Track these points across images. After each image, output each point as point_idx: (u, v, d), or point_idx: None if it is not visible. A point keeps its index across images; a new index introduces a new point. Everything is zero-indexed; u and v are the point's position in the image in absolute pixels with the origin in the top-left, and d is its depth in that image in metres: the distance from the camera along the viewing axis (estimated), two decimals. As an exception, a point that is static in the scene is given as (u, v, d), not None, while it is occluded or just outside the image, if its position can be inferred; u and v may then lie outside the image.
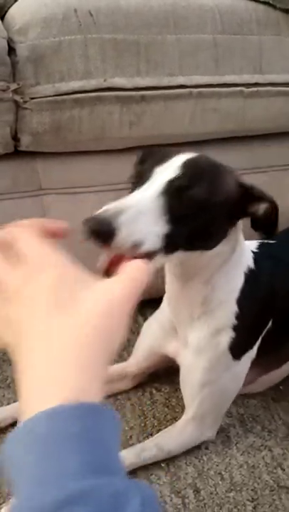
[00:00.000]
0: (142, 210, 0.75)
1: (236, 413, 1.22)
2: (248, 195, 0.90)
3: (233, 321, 1.04)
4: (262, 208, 0.90)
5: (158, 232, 0.77)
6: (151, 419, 1.21)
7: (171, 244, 0.80)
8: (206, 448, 1.12)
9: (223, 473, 1.07)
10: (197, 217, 0.82)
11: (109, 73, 1.19)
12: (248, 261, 1.06)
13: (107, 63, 1.18)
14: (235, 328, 1.04)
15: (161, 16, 1.21)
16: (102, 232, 0.71)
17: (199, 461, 1.10)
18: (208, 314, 1.03)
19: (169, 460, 1.09)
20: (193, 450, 1.11)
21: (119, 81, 1.20)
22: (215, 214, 0.85)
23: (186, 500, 1.02)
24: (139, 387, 1.30)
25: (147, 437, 1.13)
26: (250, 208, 0.91)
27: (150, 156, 0.87)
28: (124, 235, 0.71)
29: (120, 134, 1.26)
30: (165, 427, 1.14)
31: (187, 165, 0.82)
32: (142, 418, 1.21)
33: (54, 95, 1.15)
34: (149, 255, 0.76)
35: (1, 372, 1.33)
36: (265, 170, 1.46)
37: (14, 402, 1.21)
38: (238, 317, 1.03)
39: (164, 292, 1.10)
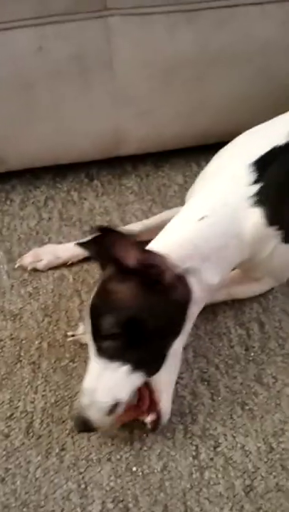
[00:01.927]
0: (93, 384, 0.84)
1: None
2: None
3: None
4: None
5: (121, 379, 0.84)
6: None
7: (153, 365, 0.87)
8: (272, 288, 1.14)
9: (288, 310, 1.09)
10: (138, 333, 0.84)
11: None
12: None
13: None
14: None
15: None
16: (82, 427, 0.85)
17: (264, 299, 1.11)
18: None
19: (234, 296, 1.12)
20: (259, 289, 1.13)
21: None
22: (145, 313, 0.85)
23: (251, 332, 1.05)
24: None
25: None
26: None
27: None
28: (95, 414, 0.83)
29: None
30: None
31: (91, 310, 0.86)
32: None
33: None
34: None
35: (66, 212, 1.36)
36: None
37: (80, 239, 1.25)
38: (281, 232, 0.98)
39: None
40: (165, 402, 0.89)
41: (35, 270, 1.19)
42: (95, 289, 0.89)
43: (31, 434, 0.92)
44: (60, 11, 1.16)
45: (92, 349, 0.86)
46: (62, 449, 0.90)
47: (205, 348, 1.03)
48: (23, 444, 0.91)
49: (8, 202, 1.40)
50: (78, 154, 1.40)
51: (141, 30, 1.21)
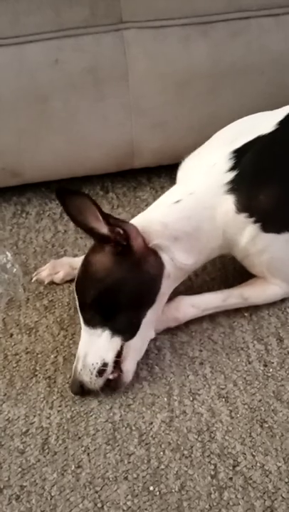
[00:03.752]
0: (84, 350, 0.94)
1: None
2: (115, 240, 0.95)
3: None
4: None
5: (104, 343, 0.94)
6: (232, 271, 1.20)
7: (127, 328, 0.95)
8: (290, 301, 1.12)
9: (307, 325, 1.08)
10: (112, 301, 0.94)
11: None
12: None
13: None
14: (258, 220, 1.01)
15: None
16: (79, 391, 0.95)
17: (282, 313, 1.09)
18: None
19: (252, 310, 1.10)
20: (276, 302, 1.10)
21: None
22: (118, 283, 0.94)
23: (269, 347, 1.03)
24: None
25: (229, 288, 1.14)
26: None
27: None
28: (87, 377, 0.93)
29: None
30: (247, 279, 1.13)
31: (77, 284, 0.99)
32: (223, 271, 1.21)
33: None
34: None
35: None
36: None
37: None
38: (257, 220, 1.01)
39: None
40: (128, 364, 0.96)
41: (51, 283, 1.19)
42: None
43: (47, 450, 0.91)
44: (76, 24, 1.17)
45: (81, 320, 0.97)
46: (79, 467, 0.88)
47: (222, 363, 1.02)
48: (39, 460, 0.90)
49: (23, 215, 1.40)
50: (93, 167, 1.41)
51: (156, 42, 1.22)
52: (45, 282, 1.19)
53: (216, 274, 1.21)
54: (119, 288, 0.95)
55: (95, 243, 0.99)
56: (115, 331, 0.94)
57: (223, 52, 1.26)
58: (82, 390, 0.95)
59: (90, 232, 0.95)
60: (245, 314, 1.10)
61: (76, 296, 0.99)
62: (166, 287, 1.00)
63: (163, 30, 1.19)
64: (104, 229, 0.93)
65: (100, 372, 0.93)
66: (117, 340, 0.95)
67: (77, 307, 0.98)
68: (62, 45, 1.19)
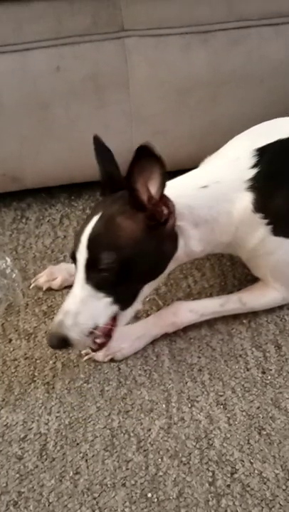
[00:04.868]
0: (77, 307, 0.91)
1: None
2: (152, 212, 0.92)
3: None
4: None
5: (102, 308, 0.92)
6: (232, 279, 1.21)
7: (128, 298, 0.95)
8: (288, 308, 1.12)
9: (305, 332, 1.08)
10: (127, 271, 0.91)
11: None
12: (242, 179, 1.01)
13: None
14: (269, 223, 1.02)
15: None
16: (60, 344, 0.92)
17: (281, 320, 1.09)
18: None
19: (251, 317, 1.10)
20: (275, 309, 1.11)
21: None
22: (136, 253, 0.91)
23: (268, 354, 1.03)
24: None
25: (228, 295, 1.14)
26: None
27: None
28: (76, 335, 0.90)
29: None
30: (246, 286, 1.14)
31: (91, 240, 0.92)
32: (222, 277, 1.22)
33: None
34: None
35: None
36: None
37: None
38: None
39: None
40: (115, 331, 0.97)
41: (50, 289, 1.20)
42: (96, 217, 0.94)
43: (45, 456, 0.91)
44: (78, 32, 1.18)
45: (80, 275, 0.93)
46: (77, 473, 0.88)
47: (221, 370, 1.02)
48: (37, 466, 0.90)
49: (23, 220, 1.40)
50: (93, 173, 1.40)
51: (157, 50, 1.22)
52: (44, 289, 1.19)
53: (215, 281, 1.21)
54: (140, 260, 0.92)
55: (125, 205, 0.93)
56: (116, 299, 0.93)
57: (224, 61, 1.27)
58: (62, 345, 0.92)
59: (134, 193, 0.90)
60: (244, 321, 1.10)
61: (83, 251, 0.92)
62: (168, 268, 1.01)
63: (164, 38, 1.20)
64: (148, 198, 0.90)
65: (91, 332, 0.92)
66: (114, 308, 0.93)
67: (80, 261, 0.93)
68: (64, 52, 1.20)
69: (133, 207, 0.92)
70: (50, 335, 0.93)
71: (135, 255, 0.92)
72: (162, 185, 0.89)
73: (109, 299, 0.92)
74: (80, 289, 0.92)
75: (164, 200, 0.92)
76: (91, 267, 0.92)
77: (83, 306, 0.91)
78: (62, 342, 0.91)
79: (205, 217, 0.99)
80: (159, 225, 0.93)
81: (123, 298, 0.94)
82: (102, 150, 1.02)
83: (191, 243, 1.00)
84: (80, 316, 0.91)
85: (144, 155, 0.85)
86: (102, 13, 1.14)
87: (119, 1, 1.13)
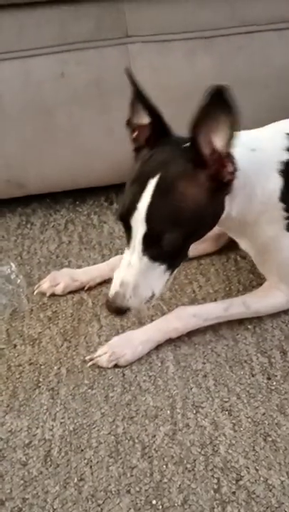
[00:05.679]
0: (135, 279, 0.89)
1: None
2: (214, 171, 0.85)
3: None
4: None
5: (158, 276, 0.91)
6: (236, 284, 1.20)
7: (179, 262, 0.93)
8: (294, 314, 1.12)
9: (311, 338, 1.07)
10: (182, 241, 0.89)
11: None
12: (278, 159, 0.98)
13: None
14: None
15: None
16: (120, 313, 0.93)
17: (286, 326, 1.09)
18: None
19: (256, 323, 1.10)
20: (280, 314, 1.10)
21: None
22: (197, 221, 0.88)
23: (273, 360, 1.03)
24: (223, 254, 1.29)
25: (233, 300, 1.14)
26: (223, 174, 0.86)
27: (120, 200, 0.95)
28: (137, 305, 0.92)
29: None
30: (251, 291, 1.13)
31: (151, 214, 0.85)
32: (227, 283, 1.21)
33: None
34: None
35: (86, 235, 1.36)
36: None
37: (99, 263, 1.26)
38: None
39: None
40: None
41: (54, 295, 1.20)
42: (153, 180, 0.85)
43: (49, 462, 0.90)
44: (81, 38, 1.19)
45: (137, 246, 0.88)
46: (81, 479, 0.88)
47: (226, 376, 1.01)
48: (41, 473, 0.89)
49: (28, 225, 1.41)
50: (97, 178, 1.42)
51: (160, 56, 1.23)
52: (47, 294, 1.19)
53: (220, 286, 1.21)
54: (200, 228, 0.91)
55: (186, 163, 0.85)
56: (170, 266, 0.92)
57: (227, 66, 1.27)
58: (122, 313, 0.93)
59: (196, 146, 0.82)
60: (249, 327, 1.09)
61: (141, 222, 0.86)
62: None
63: (167, 44, 1.21)
64: (210, 152, 0.83)
65: (148, 301, 0.92)
66: (168, 274, 0.92)
67: (136, 232, 0.87)
68: (68, 58, 1.21)
69: (193, 163, 0.84)
70: (109, 305, 0.93)
71: (199, 225, 0.90)
72: (231, 139, 0.80)
73: (163, 266, 0.90)
74: (138, 260, 0.89)
75: (230, 156, 0.84)
76: (151, 242, 0.87)
77: (142, 278, 0.90)
78: (122, 311, 0.92)
79: (249, 179, 0.93)
80: (222, 187, 0.87)
81: (175, 262, 0.93)
82: (135, 83, 0.95)
83: (232, 206, 0.94)
84: (139, 288, 0.90)
85: (215, 99, 0.78)
86: (106, 19, 1.15)
87: (123, 6, 1.14)
